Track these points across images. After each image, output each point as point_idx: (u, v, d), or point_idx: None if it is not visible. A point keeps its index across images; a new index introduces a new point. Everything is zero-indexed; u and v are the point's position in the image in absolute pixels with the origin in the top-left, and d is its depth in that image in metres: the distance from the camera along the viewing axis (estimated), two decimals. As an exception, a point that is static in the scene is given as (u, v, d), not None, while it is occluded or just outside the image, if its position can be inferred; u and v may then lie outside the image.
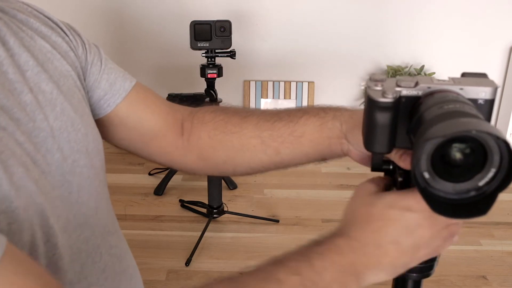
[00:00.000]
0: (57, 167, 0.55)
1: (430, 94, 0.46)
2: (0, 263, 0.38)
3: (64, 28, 0.66)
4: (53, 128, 0.56)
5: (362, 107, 0.50)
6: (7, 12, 0.60)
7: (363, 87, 2.54)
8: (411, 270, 0.52)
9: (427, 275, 0.53)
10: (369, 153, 0.53)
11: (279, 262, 0.47)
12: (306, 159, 0.67)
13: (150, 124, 0.71)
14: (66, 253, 0.55)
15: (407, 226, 0.47)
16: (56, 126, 0.56)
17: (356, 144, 0.60)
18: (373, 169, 0.54)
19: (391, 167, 0.53)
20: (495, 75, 2.50)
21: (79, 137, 0.59)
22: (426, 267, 0.52)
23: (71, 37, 0.66)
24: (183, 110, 0.75)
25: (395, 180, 0.52)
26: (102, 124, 0.68)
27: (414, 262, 0.49)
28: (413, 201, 0.47)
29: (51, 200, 0.53)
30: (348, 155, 0.63)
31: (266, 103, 2.55)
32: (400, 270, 0.49)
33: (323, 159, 0.65)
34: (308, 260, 0.47)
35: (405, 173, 0.51)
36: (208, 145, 0.72)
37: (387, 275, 0.49)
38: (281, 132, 0.68)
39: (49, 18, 0.65)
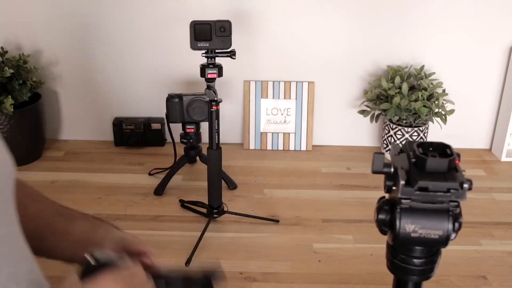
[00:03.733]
0: None
1: None
2: None
3: None
4: None
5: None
6: None
7: (364, 88, 2.53)
8: (411, 273, 0.52)
9: (428, 277, 0.53)
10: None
11: None
12: (72, 253, 0.74)
13: None
14: None
15: None
16: None
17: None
18: (374, 172, 0.54)
19: (392, 170, 0.53)
20: (495, 75, 2.50)
21: None
22: (427, 270, 0.52)
23: None
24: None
25: (396, 183, 0.52)
26: None
27: None
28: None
29: None
30: None
31: (266, 103, 2.55)
32: None
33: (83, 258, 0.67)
34: None
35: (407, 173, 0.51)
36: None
37: None
38: (56, 225, 0.75)
39: None
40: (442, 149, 0.53)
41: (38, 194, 0.78)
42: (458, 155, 0.52)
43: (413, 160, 0.51)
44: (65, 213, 0.77)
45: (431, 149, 0.53)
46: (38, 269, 0.64)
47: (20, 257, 0.60)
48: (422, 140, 2.37)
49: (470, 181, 0.49)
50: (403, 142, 2.37)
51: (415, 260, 0.52)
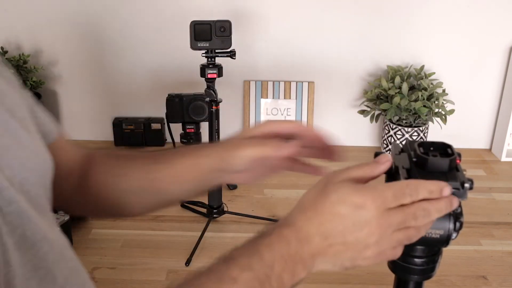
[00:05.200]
0: (11, 183, 0.54)
1: None
2: None
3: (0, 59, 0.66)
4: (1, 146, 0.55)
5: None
6: None
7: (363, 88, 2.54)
8: (413, 272, 0.52)
9: (429, 277, 0.53)
10: (249, 171, 0.58)
11: (230, 259, 0.48)
12: (188, 194, 0.70)
13: (63, 169, 0.72)
14: (19, 271, 0.53)
15: (355, 223, 0.47)
16: (3, 143, 0.55)
17: (235, 166, 0.62)
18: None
19: (393, 167, 0.53)
20: (495, 75, 2.50)
21: (27, 154, 0.59)
22: (428, 269, 0.52)
23: (6, 68, 0.66)
24: (84, 153, 0.77)
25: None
26: None
27: (363, 261, 0.49)
28: (367, 199, 0.47)
29: (4, 215, 0.52)
30: (232, 182, 0.64)
31: (266, 103, 2.55)
32: (348, 265, 0.49)
33: (205, 192, 0.68)
34: (257, 254, 0.47)
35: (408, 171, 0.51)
36: (100, 187, 0.73)
37: (334, 267, 0.49)
38: (158, 174, 0.70)
39: None
40: (443, 149, 0.53)
41: (121, 162, 0.75)
42: (459, 154, 0.52)
43: (414, 159, 0.51)
44: (154, 160, 0.73)
45: (432, 148, 0.53)
46: (83, 269, 0.67)
47: (63, 245, 0.63)
48: (422, 140, 2.37)
49: (471, 181, 0.50)
50: (403, 142, 2.37)
51: (416, 260, 0.52)
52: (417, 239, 0.49)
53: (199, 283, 0.47)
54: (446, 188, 0.48)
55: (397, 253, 0.49)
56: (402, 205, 0.47)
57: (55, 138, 0.71)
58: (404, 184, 0.48)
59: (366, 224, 0.46)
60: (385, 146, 2.47)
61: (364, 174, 0.50)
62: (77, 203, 0.76)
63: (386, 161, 0.51)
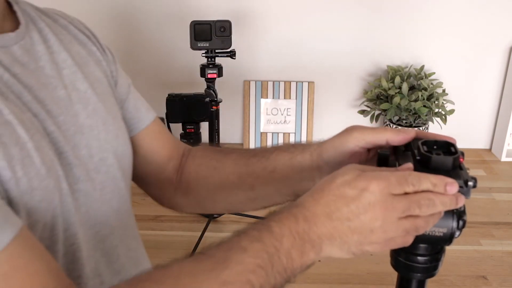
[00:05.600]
0: (84, 162, 0.57)
1: None
2: (10, 244, 0.42)
3: (100, 41, 0.70)
4: (83, 125, 0.58)
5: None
6: (50, 16, 0.65)
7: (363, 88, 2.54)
8: (415, 270, 0.52)
9: (432, 275, 0.53)
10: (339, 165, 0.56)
11: (242, 233, 0.49)
12: (279, 195, 0.69)
13: (158, 156, 0.75)
14: (84, 246, 0.56)
15: (359, 205, 0.47)
16: (87, 123, 0.59)
17: (332, 159, 0.62)
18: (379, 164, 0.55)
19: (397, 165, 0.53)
20: (495, 75, 2.50)
21: (109, 137, 0.62)
22: (431, 267, 0.52)
23: (106, 50, 0.70)
24: (184, 147, 0.79)
25: None
26: None
27: (370, 246, 0.49)
28: (371, 182, 0.47)
29: (73, 191, 0.55)
30: None
31: (266, 103, 2.55)
32: (354, 249, 0.49)
33: (296, 195, 0.66)
34: (268, 228, 0.48)
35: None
36: (193, 180, 0.75)
37: (341, 251, 0.49)
38: (254, 168, 0.70)
39: (86, 28, 0.70)
40: (447, 147, 0.53)
41: (219, 155, 0.77)
42: (462, 153, 0.53)
43: (418, 157, 0.51)
44: (251, 154, 0.73)
45: (435, 147, 0.53)
46: (142, 247, 0.72)
47: (125, 233, 0.66)
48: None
49: (474, 179, 0.50)
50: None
51: (419, 258, 0.52)
52: (424, 230, 0.49)
53: (210, 252, 0.48)
54: (452, 185, 0.48)
55: (408, 240, 0.49)
56: (407, 193, 0.48)
57: (147, 124, 0.73)
58: (408, 173, 0.49)
59: (369, 207, 0.47)
60: (385, 146, 2.47)
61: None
62: (170, 193, 0.77)
63: (408, 168, 0.51)
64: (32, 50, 0.57)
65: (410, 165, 0.51)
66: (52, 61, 0.59)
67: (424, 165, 0.51)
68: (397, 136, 0.57)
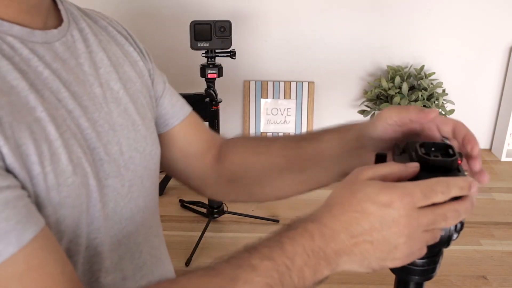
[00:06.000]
0: (115, 159, 0.59)
1: None
2: (29, 243, 0.44)
3: (137, 41, 0.74)
4: (115, 123, 0.60)
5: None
6: (91, 17, 0.69)
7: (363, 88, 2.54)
8: (413, 273, 0.51)
9: (430, 278, 0.52)
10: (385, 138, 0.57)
11: (252, 249, 0.48)
12: (327, 176, 0.69)
13: (196, 147, 0.77)
14: (107, 241, 0.58)
15: (382, 222, 0.46)
16: (118, 122, 0.61)
17: (372, 137, 0.61)
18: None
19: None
20: (495, 75, 2.50)
21: (138, 137, 0.64)
22: (429, 270, 0.52)
23: (143, 50, 0.74)
24: (221, 138, 0.82)
25: None
26: None
27: (392, 262, 0.48)
28: (395, 197, 0.45)
29: (102, 187, 0.57)
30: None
31: (266, 103, 2.55)
32: (375, 265, 0.48)
33: (344, 173, 0.66)
34: (279, 245, 0.47)
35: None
36: (238, 166, 0.76)
37: (361, 267, 0.48)
38: (304, 149, 0.70)
39: (124, 29, 0.74)
40: (445, 149, 0.52)
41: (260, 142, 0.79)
42: (461, 155, 0.52)
43: (415, 160, 0.51)
44: (297, 139, 0.74)
45: (433, 149, 0.52)
46: (164, 246, 0.74)
47: (149, 231, 0.67)
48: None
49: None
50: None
51: (417, 260, 0.51)
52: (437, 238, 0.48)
53: (219, 268, 0.47)
54: (474, 183, 0.47)
55: (423, 252, 0.48)
56: (433, 205, 0.46)
57: (183, 119, 0.76)
58: (435, 182, 0.46)
59: (393, 223, 0.45)
60: (385, 146, 2.47)
61: (391, 171, 0.49)
62: (212, 183, 0.78)
63: (415, 166, 0.50)
64: (73, 47, 0.60)
65: (416, 164, 0.49)
66: (90, 59, 0.61)
67: (421, 168, 0.50)
68: (419, 114, 0.57)
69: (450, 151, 0.52)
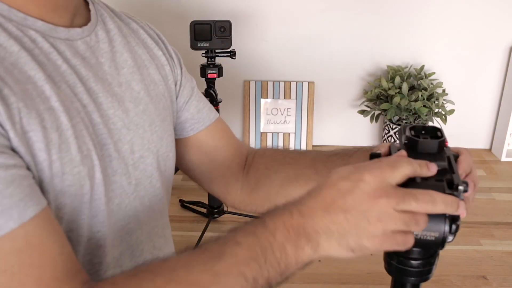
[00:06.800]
0: (124, 156, 0.60)
1: None
2: (30, 221, 0.45)
3: (169, 47, 0.76)
4: (131, 122, 0.62)
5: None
6: (123, 19, 0.71)
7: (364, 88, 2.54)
8: (409, 274, 0.52)
9: (426, 279, 0.52)
10: None
11: (239, 228, 0.50)
12: None
13: (222, 153, 0.78)
14: (109, 236, 0.59)
15: (355, 196, 0.47)
16: (134, 121, 0.62)
17: None
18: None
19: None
20: (495, 75, 2.50)
21: (153, 137, 0.65)
22: (425, 271, 0.52)
23: (173, 55, 0.76)
24: (248, 147, 0.83)
25: None
26: (179, 144, 0.75)
27: (368, 241, 0.48)
28: (365, 172, 0.47)
29: (108, 182, 0.58)
30: None
31: (266, 103, 2.55)
32: (353, 244, 0.48)
33: None
34: (262, 223, 0.49)
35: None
36: (264, 175, 0.77)
37: (340, 246, 0.48)
38: (334, 163, 0.72)
39: (156, 33, 0.76)
40: (434, 132, 0.55)
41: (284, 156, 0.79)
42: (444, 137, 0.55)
43: (405, 141, 0.54)
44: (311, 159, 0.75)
45: (423, 132, 0.55)
46: (171, 247, 0.75)
47: (153, 231, 0.69)
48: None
49: (466, 183, 0.49)
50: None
51: (413, 262, 0.52)
52: (425, 226, 0.48)
53: (207, 246, 0.50)
54: (433, 166, 0.49)
55: (408, 240, 0.48)
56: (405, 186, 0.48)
57: (208, 124, 0.77)
58: (405, 159, 0.49)
59: (365, 196, 0.46)
60: (385, 146, 2.47)
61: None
62: (236, 190, 0.79)
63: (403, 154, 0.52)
64: (96, 47, 0.61)
65: (403, 152, 0.52)
66: (113, 59, 0.63)
67: (411, 149, 0.52)
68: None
69: (439, 133, 0.55)
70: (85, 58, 0.59)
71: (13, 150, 0.48)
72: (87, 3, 0.65)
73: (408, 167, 0.48)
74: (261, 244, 0.48)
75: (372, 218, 0.47)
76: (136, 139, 0.62)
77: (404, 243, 0.48)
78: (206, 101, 0.80)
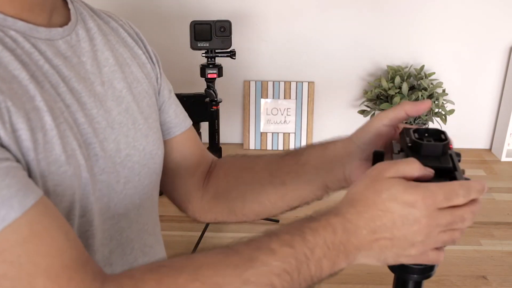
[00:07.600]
0: (110, 155, 0.60)
1: None
2: (31, 209, 0.45)
3: (148, 46, 0.75)
4: (114, 121, 0.62)
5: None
6: (102, 18, 0.71)
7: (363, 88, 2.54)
8: (412, 271, 0.52)
9: (428, 276, 0.53)
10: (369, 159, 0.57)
11: (273, 234, 0.49)
12: (309, 189, 0.70)
13: (188, 161, 0.78)
14: (98, 234, 0.59)
15: (405, 220, 0.47)
16: (117, 120, 0.62)
17: (361, 141, 0.63)
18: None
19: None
20: (495, 75, 2.50)
21: (138, 135, 0.65)
22: (427, 268, 0.52)
23: (152, 55, 0.75)
24: (212, 156, 0.83)
25: None
26: None
27: (406, 258, 0.49)
28: (419, 198, 0.47)
29: (95, 181, 0.58)
30: (350, 178, 0.64)
31: (266, 103, 2.55)
32: (390, 260, 0.49)
33: (326, 187, 0.67)
34: (301, 235, 0.48)
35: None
36: (223, 181, 0.77)
37: (377, 262, 0.49)
38: (287, 162, 0.72)
39: (135, 32, 0.75)
40: (437, 135, 0.56)
41: (248, 161, 0.79)
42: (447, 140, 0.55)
43: (409, 144, 0.53)
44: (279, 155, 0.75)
45: (426, 134, 0.55)
46: (161, 245, 0.77)
47: (143, 229, 0.69)
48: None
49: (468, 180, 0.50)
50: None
51: None
52: (458, 240, 0.50)
53: (238, 248, 0.48)
54: (485, 185, 0.49)
55: (440, 257, 0.50)
56: (453, 207, 0.48)
57: (183, 131, 0.77)
58: (457, 185, 0.48)
59: (415, 222, 0.47)
60: (385, 146, 2.47)
61: (412, 172, 0.50)
62: (196, 200, 0.79)
63: (431, 172, 0.51)
64: (77, 46, 0.61)
65: (415, 160, 0.51)
66: (94, 58, 0.62)
67: (415, 152, 0.52)
68: (414, 107, 0.59)
69: (442, 136, 0.55)
70: (66, 58, 0.59)
71: (4, 147, 0.48)
72: (65, 2, 0.64)
73: (462, 200, 0.47)
74: (297, 257, 0.47)
75: (417, 243, 0.48)
76: (121, 137, 0.62)
77: (435, 260, 0.50)
78: (181, 107, 0.79)
